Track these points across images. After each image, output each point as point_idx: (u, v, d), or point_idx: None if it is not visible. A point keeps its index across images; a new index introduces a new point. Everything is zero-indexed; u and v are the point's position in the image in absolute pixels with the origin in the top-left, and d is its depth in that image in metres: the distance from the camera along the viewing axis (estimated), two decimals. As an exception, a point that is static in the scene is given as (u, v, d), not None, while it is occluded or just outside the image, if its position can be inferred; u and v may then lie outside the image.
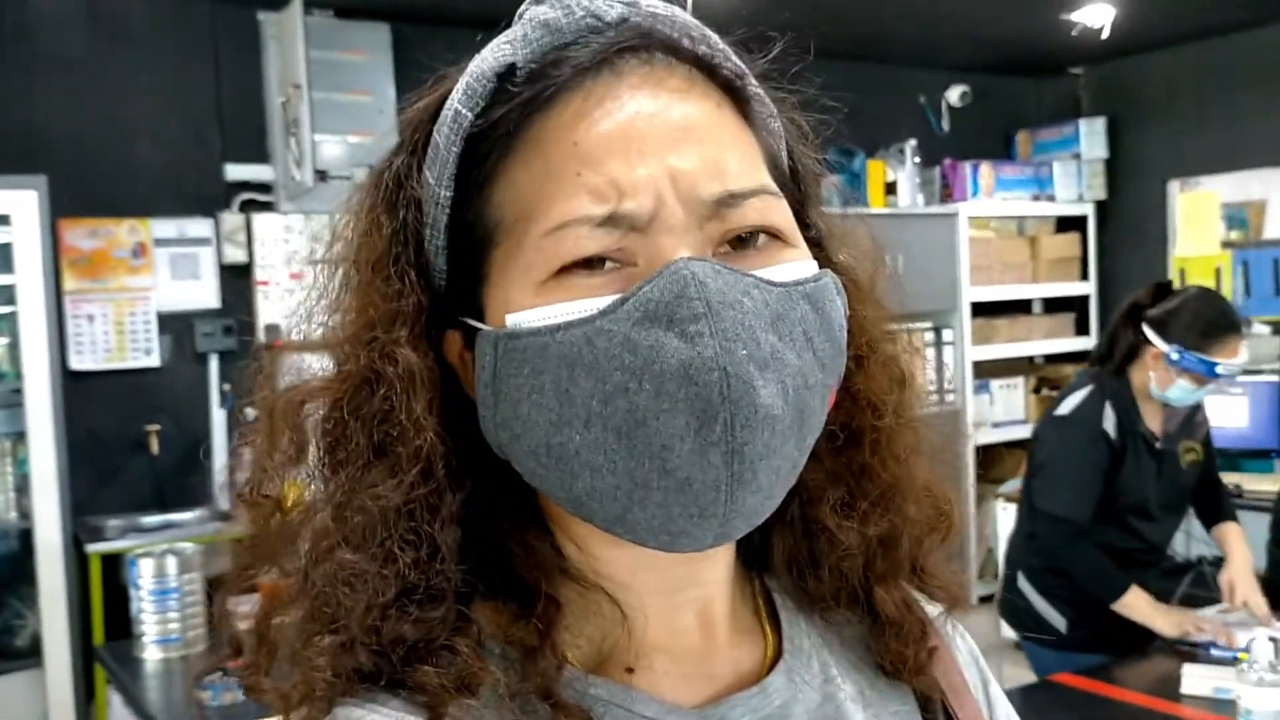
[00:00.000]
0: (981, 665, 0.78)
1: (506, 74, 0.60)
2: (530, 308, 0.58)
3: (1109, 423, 2.80)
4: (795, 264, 0.61)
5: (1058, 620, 2.87)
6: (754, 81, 0.65)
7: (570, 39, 0.60)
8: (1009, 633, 5.31)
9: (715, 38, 0.63)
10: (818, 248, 0.66)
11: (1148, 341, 2.78)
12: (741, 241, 0.60)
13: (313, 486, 0.63)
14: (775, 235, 0.61)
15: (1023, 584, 2.94)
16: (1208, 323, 2.75)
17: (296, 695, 0.59)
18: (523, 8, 0.63)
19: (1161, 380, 2.78)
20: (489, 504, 0.63)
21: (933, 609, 0.75)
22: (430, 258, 0.64)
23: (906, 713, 0.71)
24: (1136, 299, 2.85)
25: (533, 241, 0.58)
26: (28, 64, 4.22)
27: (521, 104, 0.60)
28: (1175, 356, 2.73)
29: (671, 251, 0.57)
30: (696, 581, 0.66)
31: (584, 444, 0.56)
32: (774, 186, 0.62)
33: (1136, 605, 2.71)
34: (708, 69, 0.62)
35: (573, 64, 0.59)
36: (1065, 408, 2.88)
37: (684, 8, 0.65)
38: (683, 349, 0.54)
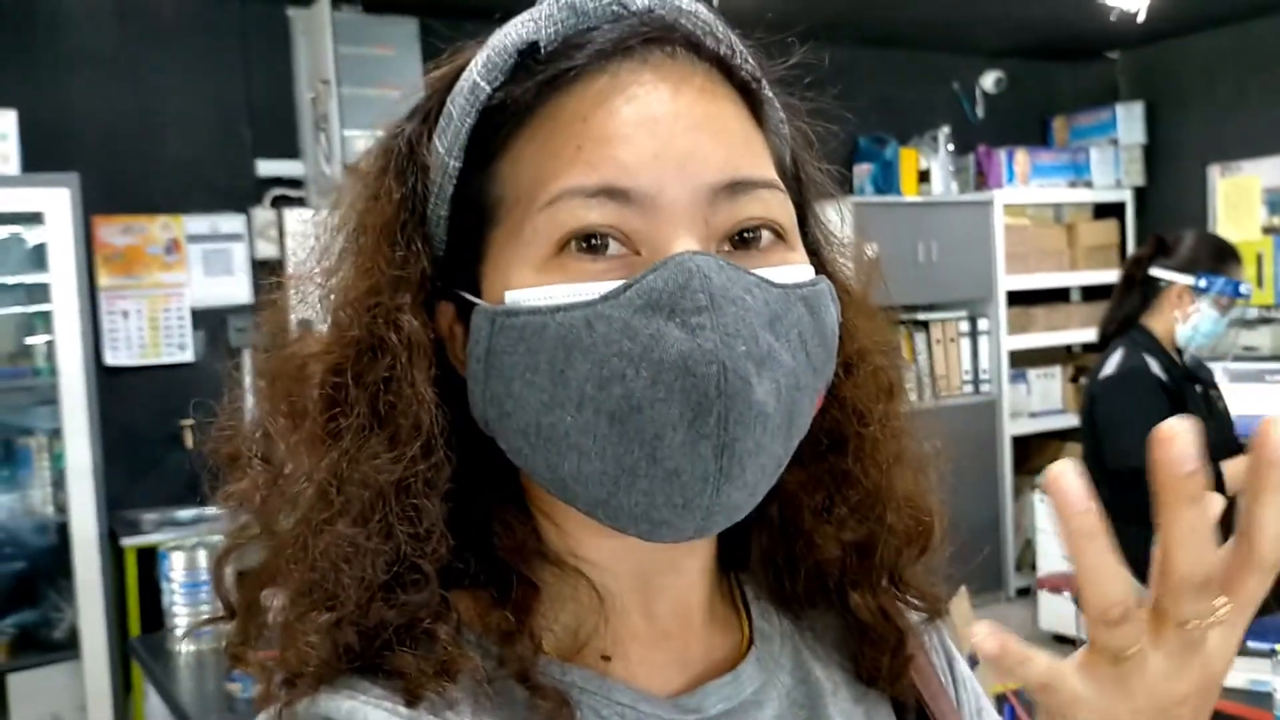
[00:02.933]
0: (948, 646, 0.78)
1: (528, 51, 0.61)
2: (530, 286, 0.58)
3: (1156, 368, 2.77)
4: (795, 267, 0.62)
5: None
6: (768, 86, 0.65)
7: (594, 23, 0.61)
8: (1046, 625, 5.27)
9: (734, 38, 0.64)
10: (814, 256, 0.67)
11: (1163, 287, 2.81)
12: (744, 241, 0.60)
13: (308, 454, 0.62)
14: (778, 234, 0.61)
15: None
16: (1216, 247, 2.82)
17: (282, 672, 0.59)
18: None
19: (1187, 316, 2.79)
20: (471, 481, 0.63)
21: (914, 616, 0.74)
22: (431, 227, 0.64)
23: (878, 710, 0.71)
24: (1137, 256, 2.91)
25: (530, 218, 0.58)
26: (60, 61, 4.26)
27: (541, 81, 0.60)
28: (1203, 284, 2.75)
29: (676, 242, 0.57)
30: (675, 569, 0.66)
31: (574, 426, 0.56)
32: (781, 185, 0.62)
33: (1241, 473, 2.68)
34: (726, 69, 0.63)
35: (596, 47, 0.60)
36: (1109, 368, 2.84)
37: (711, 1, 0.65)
38: (683, 340, 0.54)
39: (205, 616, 0.67)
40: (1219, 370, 4.57)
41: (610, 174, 0.57)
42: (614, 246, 0.58)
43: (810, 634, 0.72)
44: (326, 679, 0.58)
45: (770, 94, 0.65)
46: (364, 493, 0.59)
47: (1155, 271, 2.83)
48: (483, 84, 0.61)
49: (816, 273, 0.63)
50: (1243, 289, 2.78)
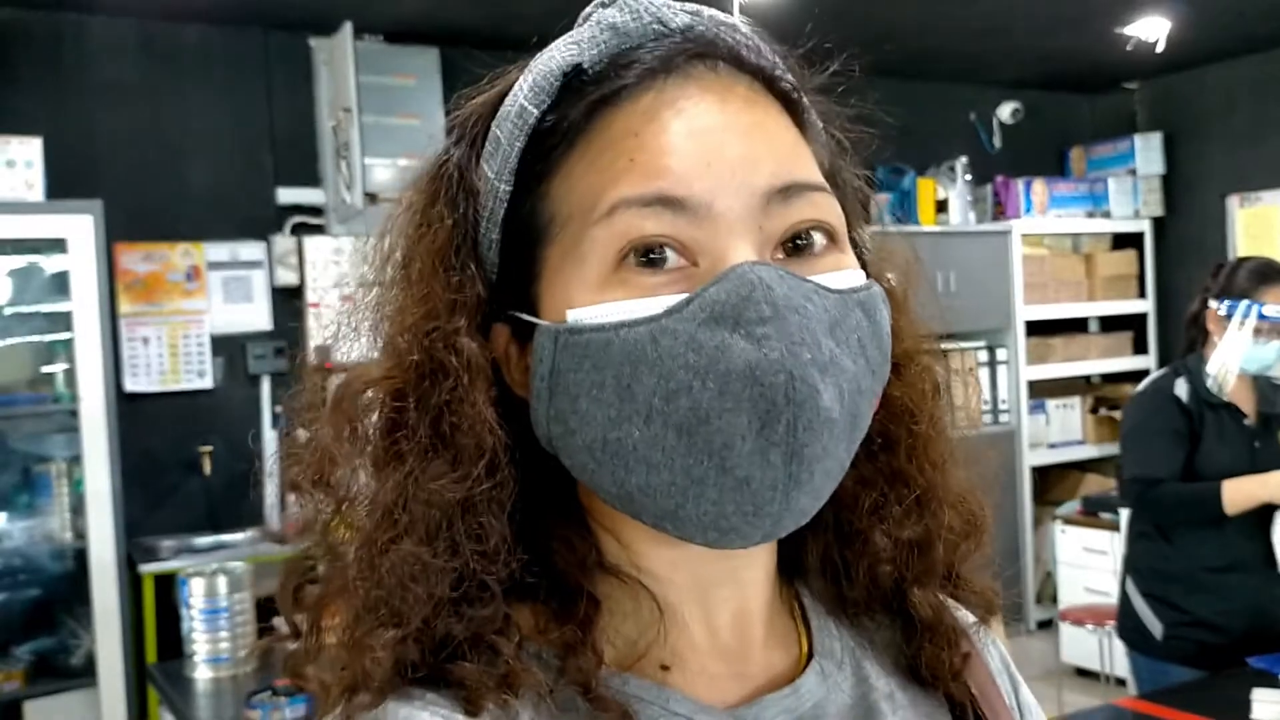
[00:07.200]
0: (1012, 671, 0.78)
1: (573, 74, 0.62)
2: (592, 304, 0.58)
3: (1181, 389, 2.86)
4: (848, 272, 0.62)
5: (1155, 625, 2.86)
6: (807, 96, 0.66)
7: (636, 43, 0.62)
8: (1068, 658, 5.21)
9: (772, 51, 0.65)
10: (859, 261, 0.67)
11: (1207, 309, 2.87)
12: (797, 248, 0.61)
13: (372, 477, 0.63)
14: (830, 237, 0.62)
15: (1129, 587, 2.97)
16: (1252, 271, 2.84)
17: (340, 686, 0.60)
18: (588, 9, 0.64)
19: (1223, 339, 2.82)
20: (531, 499, 0.64)
21: (967, 617, 0.75)
22: (483, 251, 0.64)
23: (938, 716, 0.71)
24: (1203, 285, 2.94)
25: (587, 233, 0.59)
26: (85, 90, 4.30)
27: (590, 101, 0.61)
28: (1224, 310, 2.80)
29: (733, 252, 0.58)
30: (735, 580, 0.66)
31: (642, 440, 0.57)
32: (829, 188, 0.63)
33: (1240, 493, 2.70)
34: (767, 80, 0.64)
35: (643, 65, 0.61)
36: (1140, 385, 3.02)
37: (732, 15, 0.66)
38: (749, 350, 0.55)
39: (275, 636, 0.67)
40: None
41: (664, 184, 0.58)
42: (672, 258, 0.58)
43: (869, 642, 0.72)
44: (389, 692, 0.59)
45: (809, 104, 0.66)
46: (430, 511, 0.59)
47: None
48: (530, 108, 0.62)
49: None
50: (1266, 310, 2.76)
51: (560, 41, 0.64)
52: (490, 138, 0.64)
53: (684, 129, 0.59)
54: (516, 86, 0.63)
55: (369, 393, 0.63)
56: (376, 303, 0.66)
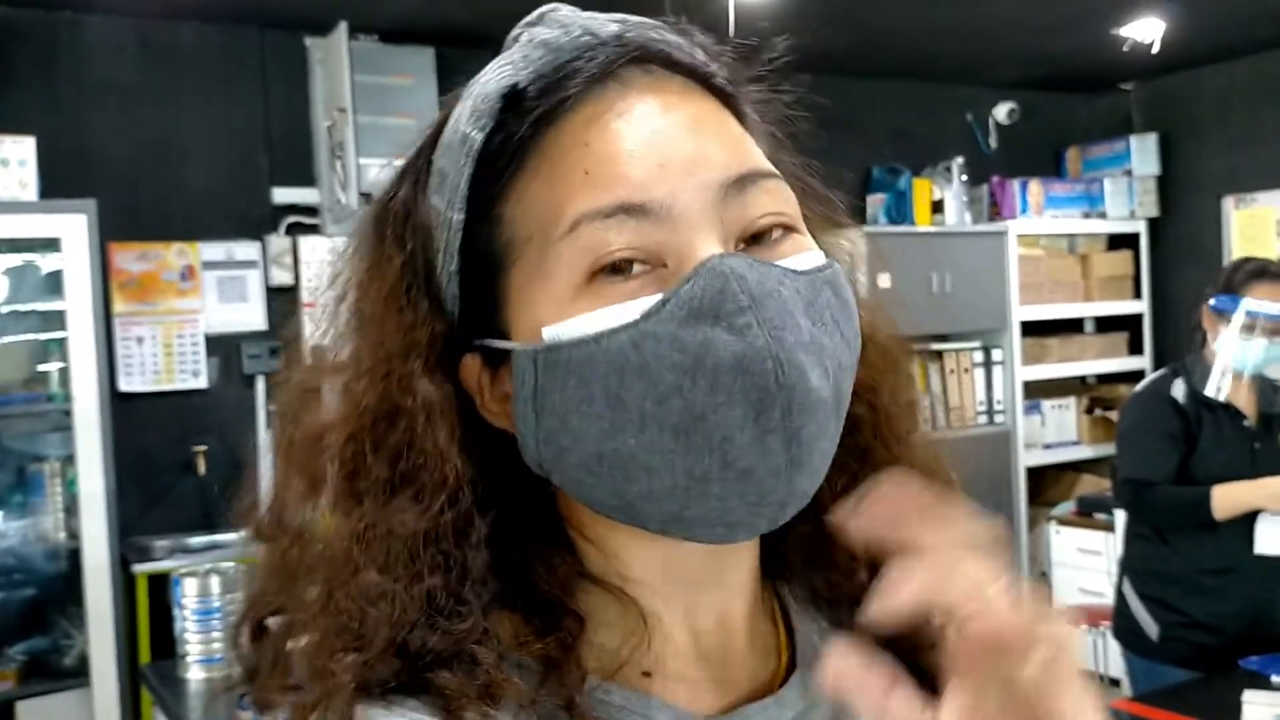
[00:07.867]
0: None
1: (511, 94, 0.61)
2: (565, 319, 0.58)
3: (1178, 391, 2.87)
4: (809, 254, 0.62)
5: (1150, 627, 2.87)
6: (742, 90, 0.67)
7: (570, 56, 0.62)
8: (1063, 659, 5.21)
9: (703, 51, 0.65)
10: None
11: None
12: (756, 239, 0.61)
13: (331, 519, 0.63)
14: (788, 227, 0.62)
15: (1126, 588, 2.98)
16: (1241, 269, 2.88)
17: (312, 701, 0.59)
18: (516, 30, 0.64)
19: (1217, 339, 2.84)
20: (511, 525, 0.63)
21: None
22: (442, 285, 0.63)
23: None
24: (1210, 285, 2.96)
25: (552, 250, 0.58)
26: (80, 89, 4.29)
27: (533, 120, 0.60)
28: (1214, 304, 2.81)
29: (699, 247, 0.57)
30: (720, 582, 0.66)
31: (640, 447, 0.56)
32: (780, 174, 0.63)
33: (1230, 500, 2.71)
34: (701, 78, 0.64)
35: (582, 75, 0.61)
36: (1139, 386, 3.04)
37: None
38: (733, 342, 0.55)
39: (236, 677, 0.67)
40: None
41: (623, 192, 0.58)
42: (638, 265, 0.58)
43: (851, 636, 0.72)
44: (360, 701, 0.58)
45: (745, 96, 0.67)
46: (389, 543, 0.59)
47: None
48: (473, 133, 0.61)
49: None
50: (1252, 307, 2.77)
51: (493, 65, 0.63)
52: (434, 170, 0.63)
53: (633, 134, 0.59)
54: (454, 115, 0.63)
55: (325, 438, 0.63)
56: (333, 341, 0.65)
